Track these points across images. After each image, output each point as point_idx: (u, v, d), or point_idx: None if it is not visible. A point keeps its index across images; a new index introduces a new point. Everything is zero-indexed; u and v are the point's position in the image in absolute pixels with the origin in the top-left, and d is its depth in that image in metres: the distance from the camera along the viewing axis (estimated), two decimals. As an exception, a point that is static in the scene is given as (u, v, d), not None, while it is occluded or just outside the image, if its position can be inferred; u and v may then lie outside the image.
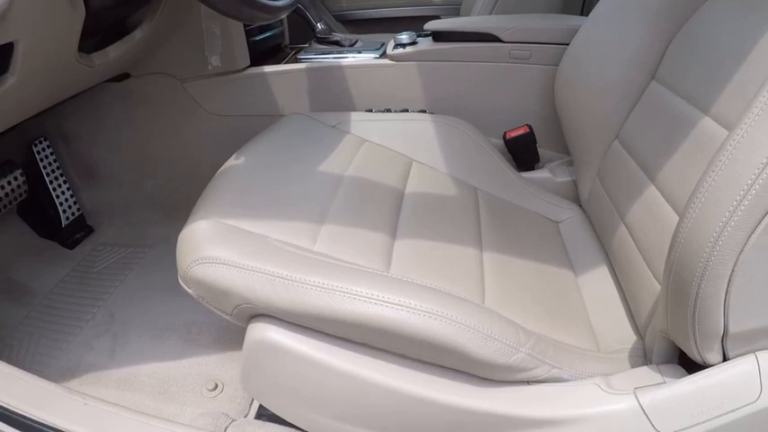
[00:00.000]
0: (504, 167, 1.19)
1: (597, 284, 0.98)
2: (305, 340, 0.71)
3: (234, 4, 0.90)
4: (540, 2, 1.84)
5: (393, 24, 2.53)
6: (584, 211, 1.17)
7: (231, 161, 1.00)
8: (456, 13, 2.41)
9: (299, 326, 0.72)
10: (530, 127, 1.30)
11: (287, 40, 1.76)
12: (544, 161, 1.35)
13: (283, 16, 1.08)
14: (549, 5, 1.88)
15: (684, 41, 0.94)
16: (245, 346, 0.74)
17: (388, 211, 0.96)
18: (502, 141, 1.34)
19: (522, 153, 1.32)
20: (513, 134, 1.30)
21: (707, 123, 0.77)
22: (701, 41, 0.88)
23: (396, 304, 0.66)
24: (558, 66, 1.21)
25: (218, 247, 0.74)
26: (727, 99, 0.76)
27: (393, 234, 0.90)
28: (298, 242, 0.81)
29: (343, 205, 0.92)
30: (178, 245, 0.79)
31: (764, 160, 0.51)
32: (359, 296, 0.68)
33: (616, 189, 1.00)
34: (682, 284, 0.59)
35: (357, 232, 0.87)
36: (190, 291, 0.78)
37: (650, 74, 1.01)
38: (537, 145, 1.32)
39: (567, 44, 1.20)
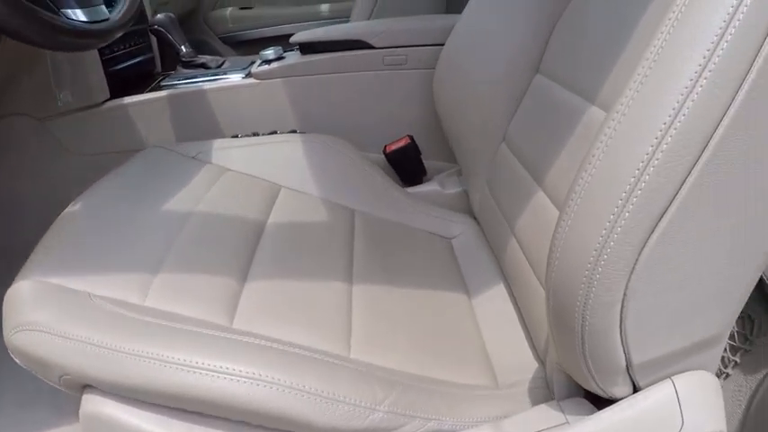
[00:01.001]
0: (385, 184, 1.10)
1: (493, 306, 0.89)
2: (137, 413, 0.61)
3: (49, 35, 0.80)
4: (422, 6, 1.77)
5: (284, 42, 2.43)
6: (478, 222, 1.08)
7: (70, 207, 0.88)
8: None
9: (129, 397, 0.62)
10: (411, 138, 1.21)
11: (159, 67, 1.64)
12: (432, 173, 1.26)
13: (111, 40, 0.96)
14: (431, 9, 1.81)
15: (565, 29, 0.87)
16: (80, 419, 0.64)
17: (242, 248, 0.84)
18: (383, 156, 1.24)
19: (406, 166, 1.23)
20: (394, 147, 1.20)
21: (594, 112, 0.70)
22: (580, 27, 0.81)
23: (215, 371, 0.56)
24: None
25: (36, 312, 0.65)
26: (612, 84, 0.68)
27: (243, 277, 0.79)
28: (126, 298, 0.70)
29: (186, 247, 0.81)
30: (3, 308, 0.69)
31: (649, 149, 0.42)
32: (176, 364, 0.57)
33: (505, 196, 0.91)
34: (563, 314, 0.50)
35: (198, 279, 0.75)
36: (17, 360, 0.67)
37: (534, 67, 0.94)
38: (422, 156, 1.23)
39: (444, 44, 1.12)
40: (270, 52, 1.28)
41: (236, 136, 1.26)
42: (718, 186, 0.43)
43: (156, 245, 0.80)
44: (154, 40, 1.52)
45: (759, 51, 0.40)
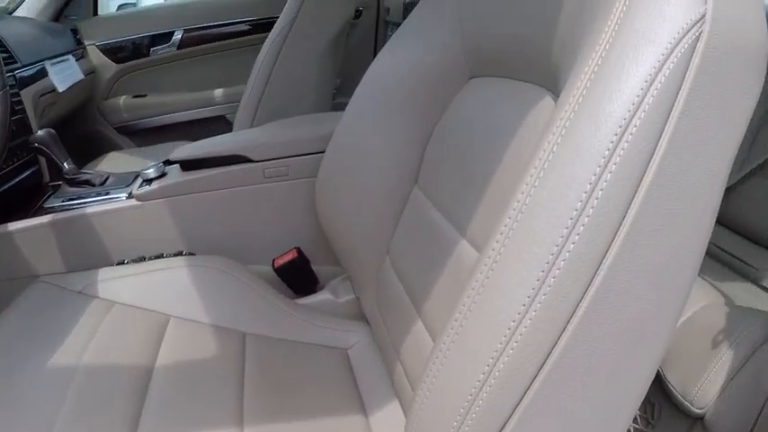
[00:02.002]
0: (275, 302, 1.10)
1: (389, 424, 0.89)
2: None
3: None
4: (308, 99, 1.79)
5: (180, 130, 2.47)
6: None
7: None
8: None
9: None
10: (299, 250, 1.22)
11: (47, 177, 1.62)
12: (324, 279, 1.28)
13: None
14: (317, 103, 1.84)
15: (438, 141, 0.89)
16: None
17: (131, 403, 0.83)
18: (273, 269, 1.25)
19: (297, 278, 1.24)
20: (282, 261, 1.21)
21: (465, 249, 0.71)
22: (453, 142, 0.84)
23: None
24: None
25: None
26: (481, 220, 0.70)
27: None
28: None
29: (73, 411, 0.79)
30: None
31: (526, 300, 0.43)
32: None
33: (390, 318, 0.93)
34: None
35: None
36: None
37: (412, 178, 0.96)
38: (312, 263, 1.24)
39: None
40: (150, 171, 1.28)
41: (123, 262, 1.25)
42: (594, 338, 0.45)
43: (40, 411, 0.78)
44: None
45: (631, 203, 0.42)
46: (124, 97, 2.46)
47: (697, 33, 0.41)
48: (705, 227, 0.46)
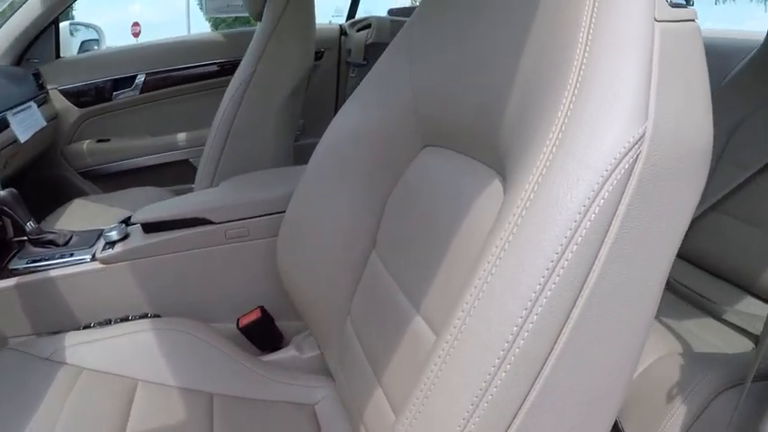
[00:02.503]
0: (240, 361, 1.13)
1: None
2: None
3: None
4: (269, 151, 1.83)
5: (145, 174, 2.48)
6: None
7: None
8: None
9: None
10: (262, 309, 1.25)
11: (11, 233, 1.62)
12: (290, 334, 1.31)
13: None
14: (278, 154, 1.87)
15: (394, 208, 0.93)
16: None
17: None
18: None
19: (262, 336, 1.27)
20: (246, 321, 1.25)
21: (420, 325, 0.73)
22: (407, 211, 0.87)
23: None
24: None
25: None
26: (434, 298, 0.72)
27: None
28: None
29: None
30: None
31: (479, 392, 0.46)
32: None
33: (352, 383, 0.95)
34: None
35: None
36: None
37: (370, 243, 0.99)
38: (277, 320, 1.28)
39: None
40: (113, 233, 1.30)
41: (90, 324, 1.27)
42: (553, 406, 0.49)
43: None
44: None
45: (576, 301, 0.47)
46: (88, 142, 2.47)
47: (634, 156, 0.46)
48: (654, 297, 0.51)
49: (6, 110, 1.89)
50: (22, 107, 2.01)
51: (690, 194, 0.50)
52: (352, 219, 1.00)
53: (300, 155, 1.94)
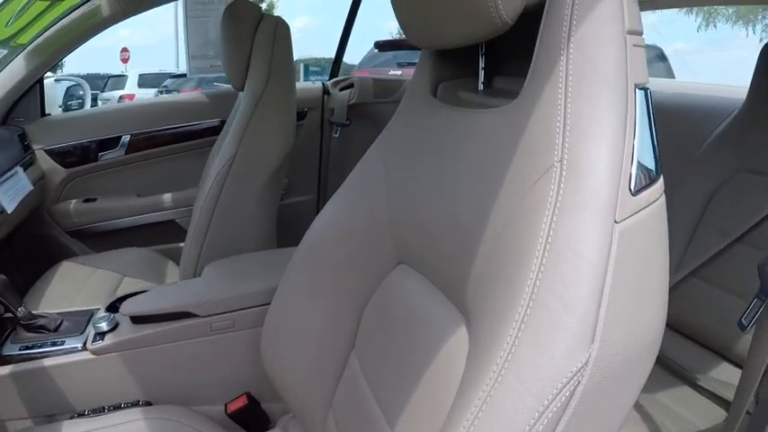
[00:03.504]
0: None
1: None
2: None
3: None
4: (253, 233, 1.90)
5: (132, 234, 2.53)
6: None
7: None
8: (188, 214, 2.45)
9: None
10: (248, 395, 1.32)
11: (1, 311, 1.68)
12: (276, 415, 1.36)
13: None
14: (262, 234, 1.94)
15: (370, 317, 0.99)
16: None
17: None
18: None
19: (249, 420, 1.33)
20: (234, 407, 1.31)
21: None
22: (381, 324, 0.94)
23: None
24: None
25: None
26: (405, 422, 0.78)
27: None
28: None
29: None
30: None
31: None
32: None
33: None
34: None
35: None
36: None
37: (350, 344, 1.05)
38: (263, 403, 1.34)
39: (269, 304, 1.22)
40: (102, 324, 1.36)
41: (84, 412, 1.32)
42: None
43: None
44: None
45: None
46: (74, 202, 2.51)
47: (576, 383, 0.52)
48: None
49: None
50: (8, 174, 2.04)
51: (633, 386, 0.57)
52: (331, 323, 1.06)
53: (284, 214, 2.01)
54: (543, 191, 0.58)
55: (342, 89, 2.83)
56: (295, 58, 2.01)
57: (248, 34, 1.85)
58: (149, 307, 1.37)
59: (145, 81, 13.07)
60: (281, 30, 1.86)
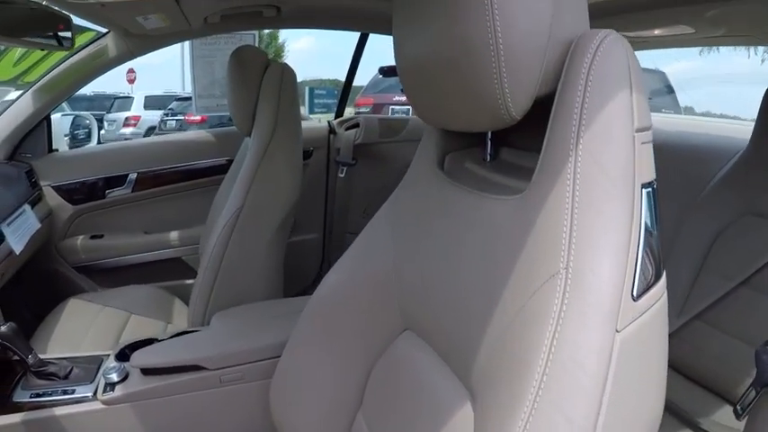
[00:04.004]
0: None
1: None
2: None
3: None
4: (260, 283, 1.91)
5: (139, 271, 2.56)
6: None
7: None
8: (195, 252, 2.49)
9: None
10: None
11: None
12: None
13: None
14: (270, 283, 1.95)
15: (376, 381, 1.01)
16: None
17: None
18: None
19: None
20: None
21: None
22: (387, 389, 0.96)
23: None
24: None
25: None
26: None
27: None
28: None
29: None
30: None
31: None
32: None
33: None
34: None
35: None
36: None
37: (357, 403, 1.07)
38: None
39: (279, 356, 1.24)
40: (113, 375, 1.38)
41: None
42: None
43: None
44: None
45: None
46: (81, 238, 2.54)
47: None
48: None
49: (1, 221, 1.94)
50: (16, 213, 2.07)
51: None
52: (339, 381, 1.08)
53: (290, 252, 2.03)
54: (548, 297, 0.61)
55: (348, 128, 2.86)
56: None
57: (255, 81, 1.88)
58: (160, 359, 1.39)
59: (151, 103, 13.18)
60: (287, 76, 1.88)
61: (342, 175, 2.77)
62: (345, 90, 3.09)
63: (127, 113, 12.99)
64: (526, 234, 0.66)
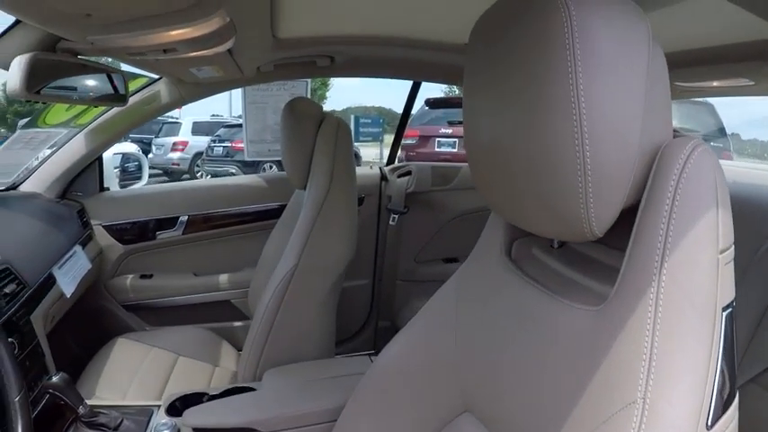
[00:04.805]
0: None
1: None
2: None
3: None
4: (311, 344, 1.89)
5: (188, 312, 2.58)
6: None
7: None
8: (244, 296, 2.50)
9: None
10: None
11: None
12: None
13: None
14: (321, 345, 1.92)
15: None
16: None
17: None
18: None
19: None
20: None
21: None
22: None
23: None
24: None
25: None
26: None
27: None
28: None
29: None
30: None
31: None
32: None
33: None
34: None
35: None
36: None
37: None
38: None
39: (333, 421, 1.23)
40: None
41: None
42: None
43: None
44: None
45: None
46: (131, 277, 2.57)
47: None
48: None
49: (52, 265, 1.94)
50: (68, 254, 2.08)
51: None
52: None
53: (340, 298, 2.01)
54: (623, 427, 0.59)
55: (399, 176, 2.85)
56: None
57: (310, 134, 1.87)
58: (213, 420, 1.39)
59: (198, 129, 13.41)
60: (342, 131, 1.87)
61: (393, 223, 2.76)
62: (397, 137, 3.07)
63: (175, 138, 13.20)
64: (603, 354, 0.64)
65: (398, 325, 2.76)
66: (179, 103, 2.34)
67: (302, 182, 1.91)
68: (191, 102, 2.37)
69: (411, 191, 2.77)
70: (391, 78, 2.60)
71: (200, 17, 1.16)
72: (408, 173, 2.83)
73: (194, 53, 1.47)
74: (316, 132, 1.87)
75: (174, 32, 1.24)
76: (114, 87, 1.87)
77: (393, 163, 3.00)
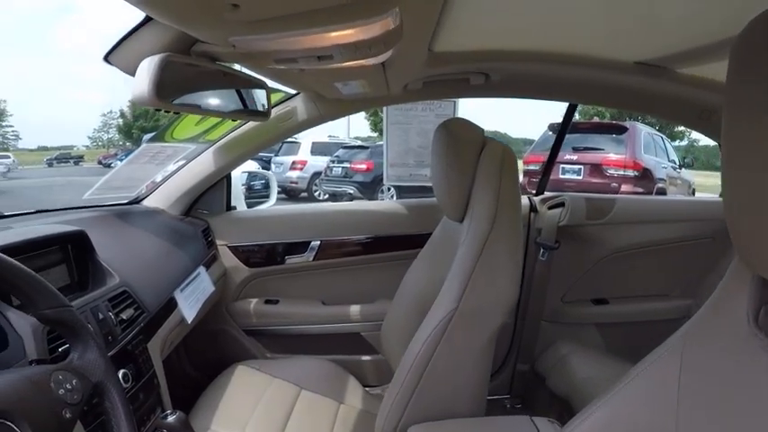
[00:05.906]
0: None
1: None
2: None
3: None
4: (464, 397, 1.63)
5: (311, 342, 2.44)
6: None
7: None
8: (376, 329, 2.29)
9: None
10: None
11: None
12: None
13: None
14: (473, 399, 1.67)
15: None
16: None
17: None
18: None
19: None
20: None
21: None
22: None
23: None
24: None
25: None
26: None
27: None
28: None
29: None
30: None
31: None
32: None
33: None
34: None
35: None
36: None
37: None
38: None
39: None
40: None
41: None
42: None
43: None
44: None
45: None
46: (255, 302, 2.45)
47: None
48: None
49: (175, 287, 1.82)
50: (191, 276, 1.96)
51: None
52: None
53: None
54: None
55: (550, 207, 2.55)
56: None
57: (470, 162, 1.60)
58: None
59: (317, 149, 13.66)
60: (507, 159, 1.59)
61: (543, 258, 2.47)
62: (549, 164, 2.80)
63: (294, 158, 13.48)
64: None
65: (538, 369, 2.50)
66: (317, 120, 2.18)
67: (459, 214, 1.65)
68: (330, 120, 2.21)
69: (564, 224, 2.48)
70: (549, 100, 2.33)
71: (371, 16, 0.97)
72: (561, 204, 2.53)
73: (349, 62, 1.28)
74: (476, 159, 1.60)
75: (333, 34, 1.06)
76: (255, 100, 1.73)
77: (542, 193, 2.70)
